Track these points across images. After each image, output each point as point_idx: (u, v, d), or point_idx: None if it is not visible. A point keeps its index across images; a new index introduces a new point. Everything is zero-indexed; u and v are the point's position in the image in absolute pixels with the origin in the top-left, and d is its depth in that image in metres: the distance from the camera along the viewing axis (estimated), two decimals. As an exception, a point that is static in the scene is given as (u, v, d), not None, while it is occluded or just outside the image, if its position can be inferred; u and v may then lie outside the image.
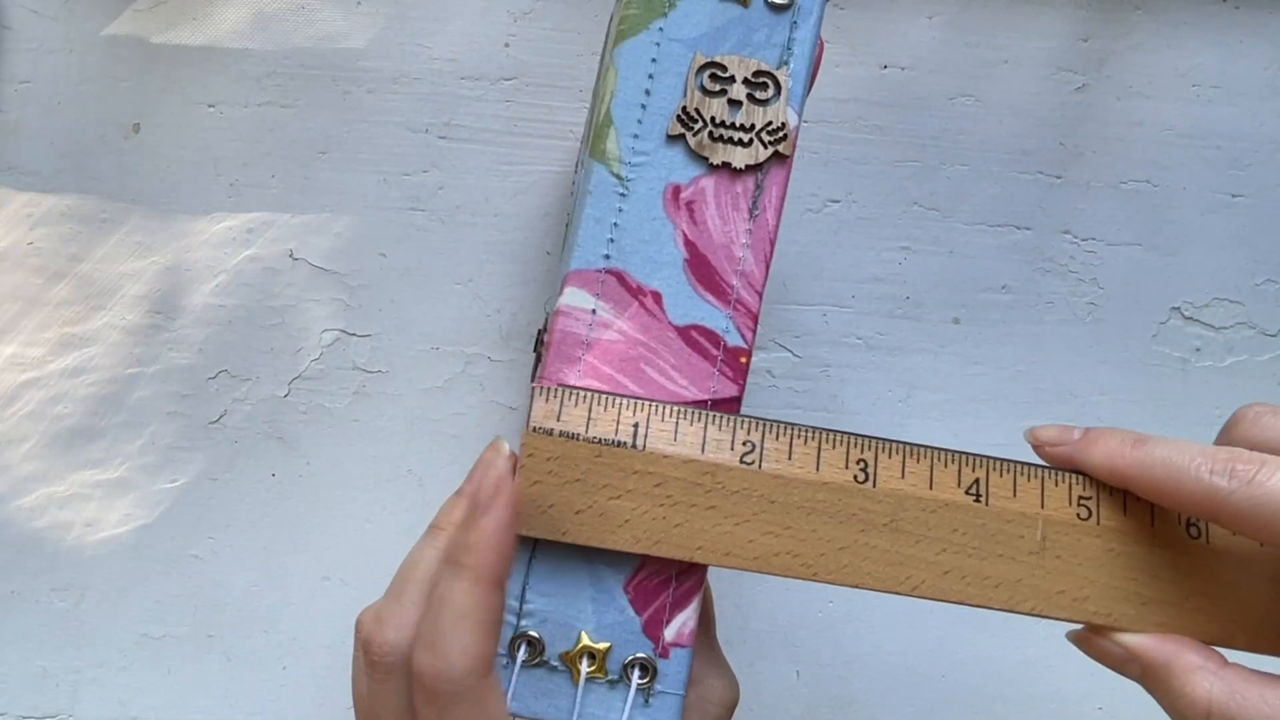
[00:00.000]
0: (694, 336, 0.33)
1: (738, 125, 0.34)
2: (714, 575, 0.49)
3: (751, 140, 0.34)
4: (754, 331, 0.33)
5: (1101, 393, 0.51)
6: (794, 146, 0.34)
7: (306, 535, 0.49)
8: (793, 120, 0.34)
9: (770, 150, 0.34)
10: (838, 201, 0.51)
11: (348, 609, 0.48)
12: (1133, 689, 0.48)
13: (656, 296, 0.33)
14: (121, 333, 0.49)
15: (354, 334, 0.50)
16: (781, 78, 0.34)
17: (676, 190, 0.34)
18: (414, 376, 0.50)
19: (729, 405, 0.33)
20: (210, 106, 0.50)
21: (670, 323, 0.33)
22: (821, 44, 0.36)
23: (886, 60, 0.52)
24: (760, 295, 0.33)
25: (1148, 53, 0.52)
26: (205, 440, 0.49)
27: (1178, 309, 0.51)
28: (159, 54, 0.50)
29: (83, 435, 0.49)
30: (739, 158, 0.34)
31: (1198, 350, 0.51)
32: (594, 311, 0.33)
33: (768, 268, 0.34)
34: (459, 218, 0.50)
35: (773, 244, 0.34)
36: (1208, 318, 0.51)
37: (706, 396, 0.33)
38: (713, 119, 0.34)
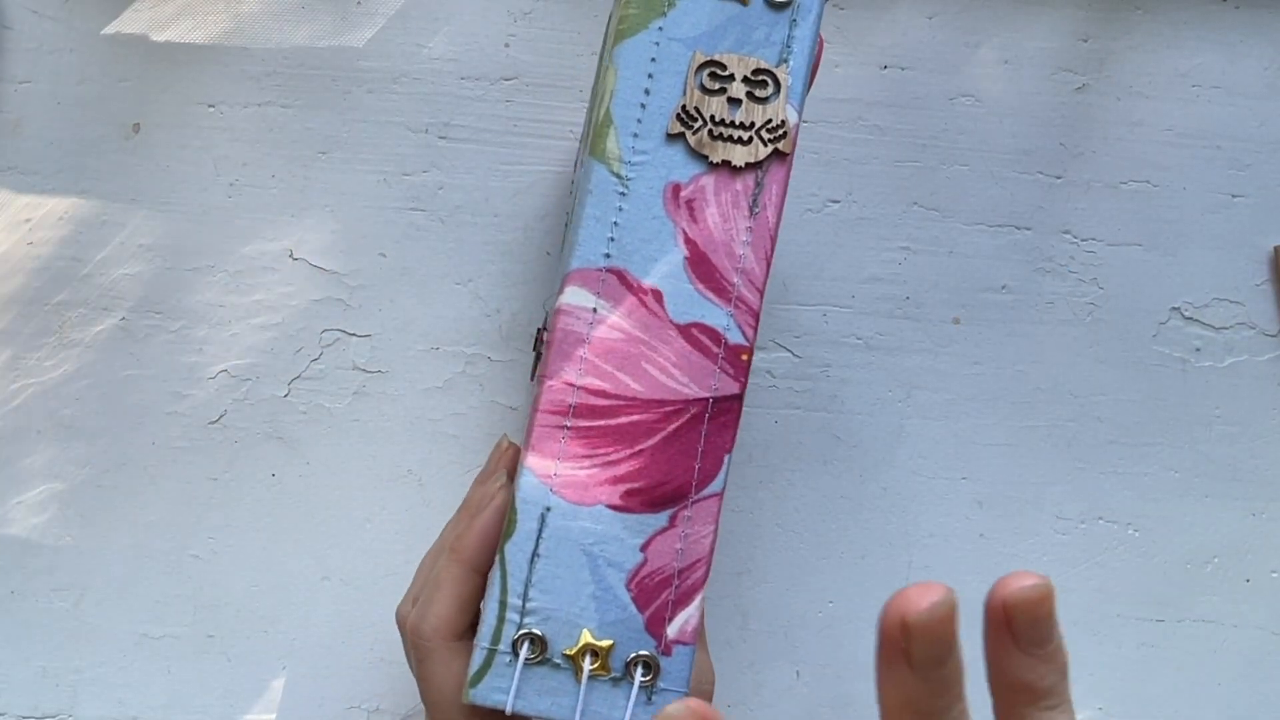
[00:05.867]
0: (695, 334, 0.33)
1: (737, 123, 0.34)
2: (712, 573, 0.49)
3: (751, 138, 0.34)
4: (755, 329, 0.33)
5: (1101, 393, 0.51)
6: (794, 144, 0.34)
7: (306, 535, 0.49)
8: (792, 118, 0.34)
9: (770, 148, 0.34)
10: (838, 201, 0.51)
11: (348, 609, 0.48)
12: (1132, 690, 0.48)
13: (657, 294, 0.33)
14: (121, 332, 0.49)
15: (354, 334, 0.50)
16: (781, 75, 0.34)
17: (677, 189, 0.34)
18: (414, 376, 0.50)
19: (731, 403, 0.33)
20: (210, 106, 0.50)
21: (671, 321, 0.33)
22: (821, 41, 0.36)
23: (886, 60, 0.52)
24: (761, 293, 0.33)
25: (1148, 53, 0.52)
26: (205, 440, 0.49)
27: (1178, 309, 0.51)
28: (159, 54, 0.50)
29: (83, 435, 0.49)
30: (739, 156, 0.34)
31: (1198, 350, 0.51)
32: (595, 310, 0.33)
33: (769, 265, 0.34)
34: (459, 218, 0.50)
35: (773, 241, 0.34)
36: (1208, 318, 0.51)
37: (708, 394, 0.33)
38: (712, 117, 0.34)
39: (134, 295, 0.49)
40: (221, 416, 0.49)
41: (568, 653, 0.32)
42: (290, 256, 0.50)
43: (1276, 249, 0.51)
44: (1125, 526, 0.50)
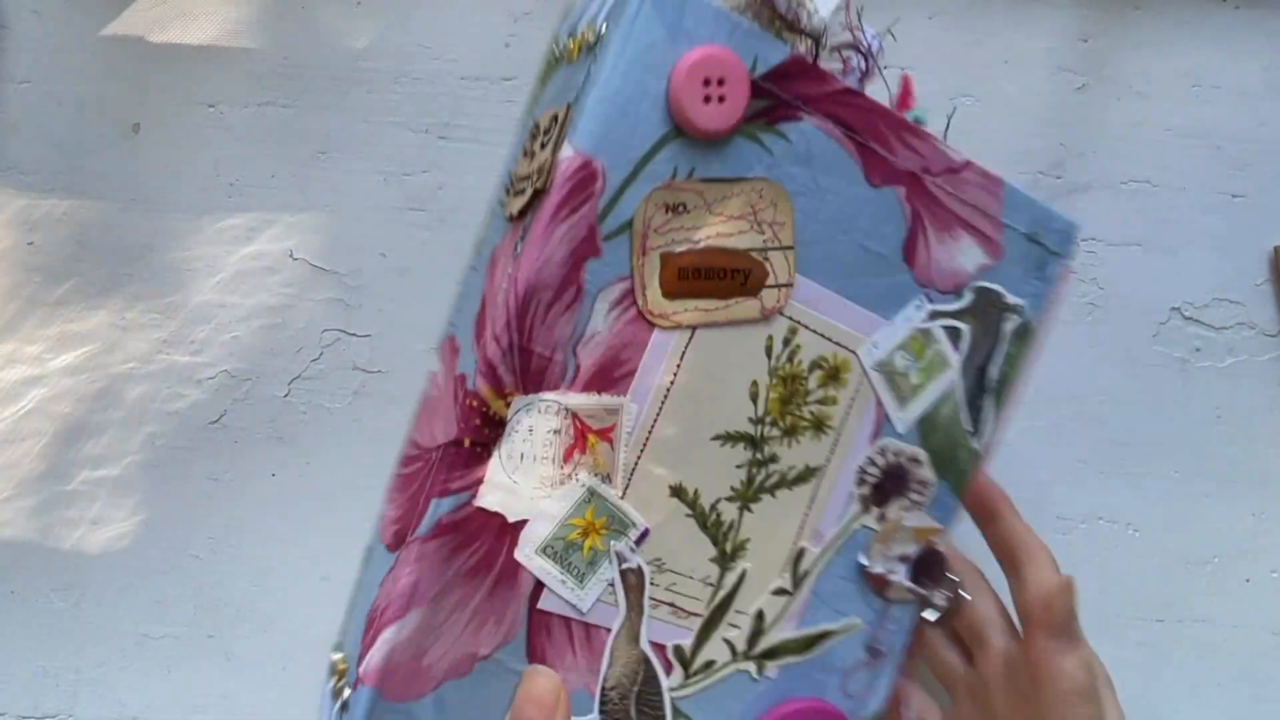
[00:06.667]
0: (458, 384, 0.33)
1: (520, 176, 0.34)
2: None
3: (526, 187, 0.33)
4: (496, 373, 0.32)
5: (1101, 393, 0.51)
6: (565, 179, 0.31)
7: (306, 535, 0.49)
8: (566, 152, 0.31)
9: (531, 191, 0.32)
10: (838, 201, 0.51)
11: (348, 609, 0.48)
12: (1132, 690, 0.48)
13: (457, 351, 0.35)
14: (121, 332, 0.49)
15: (354, 334, 0.50)
16: (565, 114, 0.32)
17: (494, 252, 0.34)
18: (414, 376, 0.49)
19: (452, 449, 0.32)
20: (210, 106, 0.50)
21: (454, 374, 0.34)
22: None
23: (886, 60, 0.52)
24: (498, 337, 0.32)
25: (1148, 53, 0.52)
26: (205, 440, 0.49)
27: (1178, 309, 0.51)
28: (159, 54, 0.50)
29: (83, 434, 0.49)
30: (515, 207, 0.33)
31: (1198, 350, 0.51)
32: (436, 372, 0.36)
33: (515, 309, 0.32)
34: (459, 218, 0.50)
35: (525, 283, 0.31)
36: (1208, 318, 0.51)
37: (443, 440, 0.33)
38: (515, 176, 0.34)
39: (133, 295, 0.49)
40: (221, 416, 0.49)
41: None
42: (290, 256, 0.50)
43: (1276, 249, 0.51)
44: (1125, 526, 0.50)
